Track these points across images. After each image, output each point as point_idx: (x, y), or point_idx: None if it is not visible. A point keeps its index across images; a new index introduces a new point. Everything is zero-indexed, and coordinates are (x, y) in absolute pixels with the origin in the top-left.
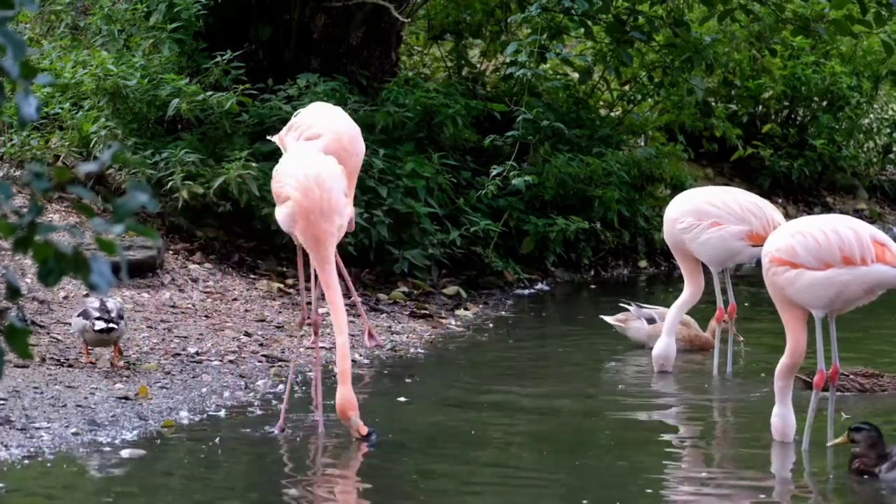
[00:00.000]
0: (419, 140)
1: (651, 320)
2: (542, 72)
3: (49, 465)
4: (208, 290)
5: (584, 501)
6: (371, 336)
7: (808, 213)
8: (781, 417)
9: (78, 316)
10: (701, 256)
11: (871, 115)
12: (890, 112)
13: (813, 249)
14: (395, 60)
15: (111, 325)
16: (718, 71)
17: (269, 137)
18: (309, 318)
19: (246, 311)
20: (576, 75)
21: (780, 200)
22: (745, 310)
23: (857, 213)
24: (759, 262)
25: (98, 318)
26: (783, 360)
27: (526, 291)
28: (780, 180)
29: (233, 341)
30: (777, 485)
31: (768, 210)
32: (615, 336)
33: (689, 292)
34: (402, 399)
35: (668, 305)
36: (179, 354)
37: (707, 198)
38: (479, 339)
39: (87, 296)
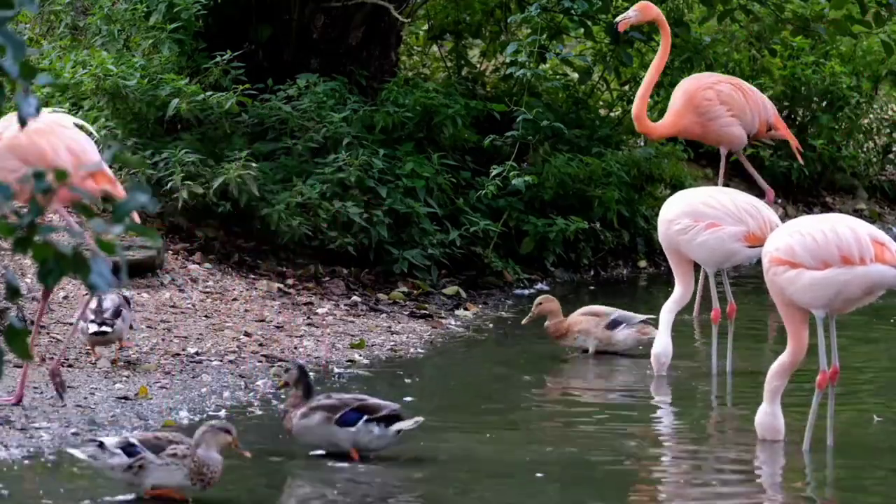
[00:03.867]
0: (419, 140)
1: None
2: (542, 72)
3: (49, 465)
4: (208, 290)
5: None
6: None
7: (808, 214)
8: (774, 416)
9: (78, 318)
10: (697, 258)
11: (871, 115)
12: (890, 112)
13: (811, 249)
14: (394, 60)
15: (104, 327)
16: (718, 71)
17: None
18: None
19: (246, 311)
20: (575, 75)
21: (779, 201)
22: (745, 310)
23: (857, 214)
24: (758, 263)
25: (92, 321)
26: (782, 359)
27: (526, 291)
28: (780, 180)
29: (233, 341)
30: (778, 485)
31: (765, 210)
32: None
33: (680, 292)
34: (402, 399)
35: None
36: (179, 354)
37: (703, 199)
38: (479, 339)
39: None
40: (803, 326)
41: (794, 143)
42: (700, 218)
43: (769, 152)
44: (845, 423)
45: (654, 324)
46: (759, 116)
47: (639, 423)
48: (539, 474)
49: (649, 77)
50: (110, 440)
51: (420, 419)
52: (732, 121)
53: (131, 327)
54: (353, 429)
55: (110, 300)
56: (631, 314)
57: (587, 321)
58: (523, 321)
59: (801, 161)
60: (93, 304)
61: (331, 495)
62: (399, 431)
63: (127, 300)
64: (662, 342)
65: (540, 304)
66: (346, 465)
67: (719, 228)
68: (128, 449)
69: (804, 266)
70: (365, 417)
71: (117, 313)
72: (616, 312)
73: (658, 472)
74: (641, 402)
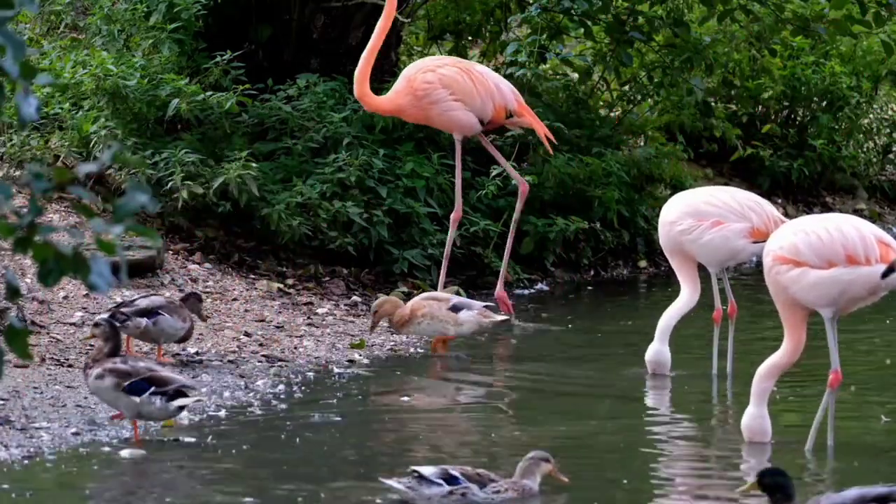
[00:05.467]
0: (419, 140)
1: (456, 308)
2: (542, 72)
3: (49, 465)
4: (208, 290)
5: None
6: None
7: (808, 214)
8: (762, 418)
9: None
10: (701, 258)
11: (871, 115)
12: (890, 112)
13: (816, 248)
14: (394, 60)
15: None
16: (718, 71)
17: None
18: None
19: (246, 311)
20: (575, 75)
21: (779, 201)
22: (745, 310)
23: (857, 214)
24: (759, 262)
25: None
26: (775, 360)
27: (526, 291)
28: (780, 181)
29: (233, 341)
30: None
31: (767, 206)
32: (616, 336)
33: (688, 296)
34: (402, 399)
35: (667, 306)
36: (179, 354)
37: (704, 198)
38: (479, 339)
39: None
40: (802, 328)
41: (540, 130)
42: (703, 217)
43: (769, 152)
44: (849, 424)
45: (495, 310)
46: (492, 101)
47: (639, 423)
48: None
49: (373, 41)
50: (428, 470)
51: (201, 397)
52: (457, 105)
53: (184, 337)
54: (137, 399)
55: (150, 300)
56: (471, 301)
57: (430, 305)
58: (370, 332)
59: (549, 150)
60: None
61: (330, 496)
62: (181, 407)
63: (175, 308)
64: (655, 349)
65: (376, 311)
66: (346, 465)
67: (724, 226)
68: (449, 481)
69: (808, 265)
70: (152, 389)
71: (148, 313)
72: (455, 298)
73: (659, 472)
74: (643, 402)
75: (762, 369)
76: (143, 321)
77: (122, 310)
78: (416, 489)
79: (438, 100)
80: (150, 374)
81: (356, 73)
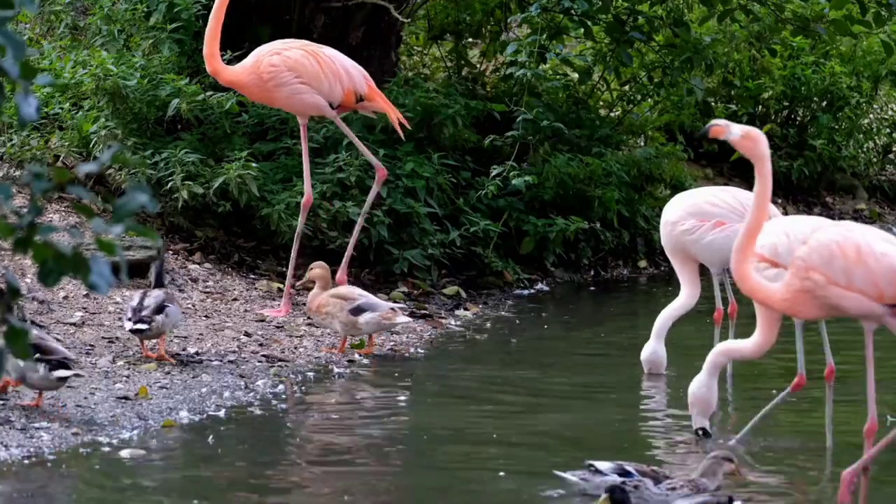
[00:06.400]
0: (419, 140)
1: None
2: (542, 72)
3: (49, 465)
4: (208, 290)
5: None
6: None
7: (808, 213)
8: (710, 389)
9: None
10: (703, 258)
11: (871, 116)
12: (890, 112)
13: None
14: (394, 60)
15: (139, 325)
16: (718, 71)
17: None
18: None
19: (246, 311)
20: (576, 75)
21: (779, 201)
22: (745, 310)
23: (857, 214)
24: None
25: (129, 319)
26: (741, 345)
27: (525, 292)
28: (780, 181)
29: (233, 341)
30: (781, 485)
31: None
32: (615, 336)
33: (687, 296)
34: (401, 399)
35: (665, 306)
36: (179, 354)
37: (706, 198)
38: (479, 340)
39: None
40: (775, 327)
41: (393, 115)
42: (705, 217)
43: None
44: (852, 423)
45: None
46: (340, 85)
47: (639, 423)
48: (538, 473)
49: (216, 12)
50: (603, 464)
51: (80, 371)
52: (304, 88)
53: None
54: (21, 363)
55: (154, 297)
56: (378, 301)
57: (333, 304)
58: (297, 283)
59: (400, 132)
60: (134, 301)
61: (329, 495)
62: (62, 378)
63: (171, 297)
64: (651, 348)
65: (312, 268)
66: (345, 465)
67: (727, 226)
68: (623, 476)
69: (785, 268)
70: (36, 356)
71: (159, 310)
72: (363, 298)
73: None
74: (643, 402)
75: (724, 346)
76: (160, 318)
77: (142, 314)
78: (590, 480)
79: (284, 83)
80: (36, 341)
81: (205, 49)
